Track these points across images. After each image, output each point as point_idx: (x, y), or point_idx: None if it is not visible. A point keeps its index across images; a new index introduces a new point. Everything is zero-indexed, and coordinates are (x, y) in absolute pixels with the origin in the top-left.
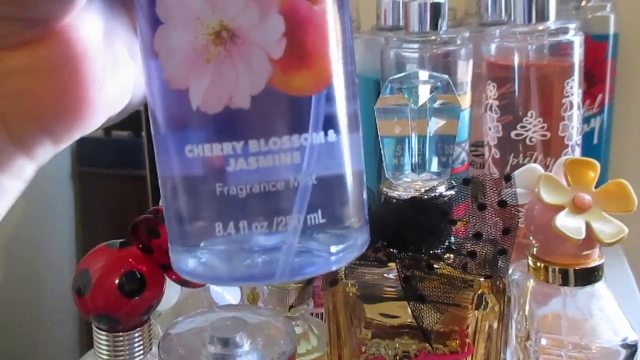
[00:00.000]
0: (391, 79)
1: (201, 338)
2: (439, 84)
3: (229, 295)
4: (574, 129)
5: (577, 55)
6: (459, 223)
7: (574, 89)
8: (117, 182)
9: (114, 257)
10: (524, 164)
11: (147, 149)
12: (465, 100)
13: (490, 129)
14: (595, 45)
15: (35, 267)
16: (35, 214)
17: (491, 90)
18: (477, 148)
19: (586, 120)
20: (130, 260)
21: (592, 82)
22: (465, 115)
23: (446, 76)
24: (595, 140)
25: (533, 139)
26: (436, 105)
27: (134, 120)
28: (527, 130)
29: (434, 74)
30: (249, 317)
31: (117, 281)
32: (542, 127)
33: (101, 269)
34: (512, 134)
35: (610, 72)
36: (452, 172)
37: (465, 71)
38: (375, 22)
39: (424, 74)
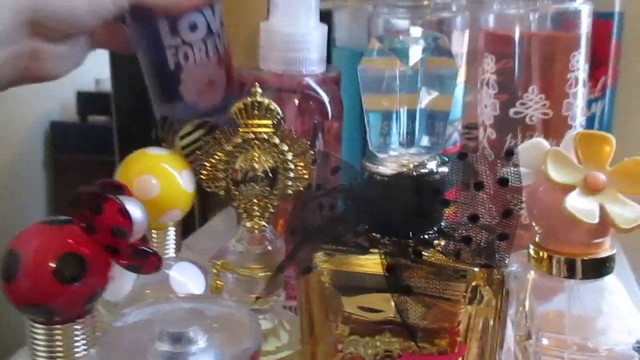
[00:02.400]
0: (379, 36)
1: (149, 333)
2: (432, 42)
3: (192, 285)
4: (578, 108)
5: (585, 25)
6: (452, 205)
7: (580, 64)
8: (94, 168)
9: (49, 237)
10: (512, 147)
11: (116, 134)
12: (460, 75)
13: (486, 106)
14: (600, 23)
15: None
16: (9, 202)
17: (489, 64)
18: (470, 130)
19: (587, 104)
20: (69, 240)
21: (595, 64)
22: (460, 92)
23: (441, 34)
24: (596, 127)
25: (534, 118)
26: (429, 69)
27: (110, 103)
28: (527, 108)
29: (428, 31)
30: (208, 309)
31: (52, 265)
32: (544, 105)
33: (34, 250)
34: (511, 112)
35: (614, 54)
36: (443, 154)
37: (460, 42)
38: None
39: (416, 31)
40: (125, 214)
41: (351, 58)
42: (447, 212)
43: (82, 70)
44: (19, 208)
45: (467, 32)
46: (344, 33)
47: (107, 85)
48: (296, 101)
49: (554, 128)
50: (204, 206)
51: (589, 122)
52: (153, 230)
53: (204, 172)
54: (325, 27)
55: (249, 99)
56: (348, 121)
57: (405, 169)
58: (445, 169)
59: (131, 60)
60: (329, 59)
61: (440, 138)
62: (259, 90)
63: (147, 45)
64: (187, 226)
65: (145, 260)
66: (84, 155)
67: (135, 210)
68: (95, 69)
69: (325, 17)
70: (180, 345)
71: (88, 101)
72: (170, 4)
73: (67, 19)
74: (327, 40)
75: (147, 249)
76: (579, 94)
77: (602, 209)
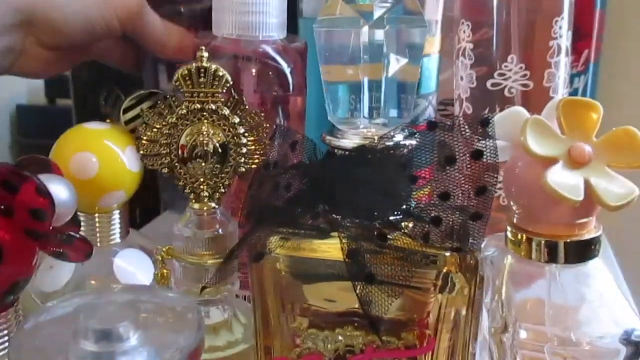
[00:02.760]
0: None
1: (72, 329)
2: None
3: (140, 274)
4: (560, 79)
5: None
6: (420, 182)
7: (564, 30)
8: None
9: None
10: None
11: (75, 117)
12: (434, 44)
13: (462, 78)
14: None
15: None
16: None
17: (465, 31)
18: (445, 107)
19: (570, 79)
20: None
21: (578, 36)
22: (434, 62)
23: None
24: None
25: (513, 90)
26: (395, 30)
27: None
28: (506, 79)
29: None
30: (145, 302)
31: None
32: (524, 76)
33: None
34: (488, 83)
35: (598, 25)
36: (417, 130)
37: (435, 7)
38: None
39: None
40: (44, 194)
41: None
42: (419, 194)
43: None
44: None
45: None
46: (313, 2)
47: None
48: (253, 71)
49: (535, 100)
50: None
51: None
52: (96, 215)
53: (142, 146)
54: None
55: (194, 64)
56: (315, 97)
57: (369, 142)
58: (413, 142)
59: None
60: (295, 30)
61: (408, 110)
62: (205, 54)
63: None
64: (150, 209)
65: (72, 246)
66: (50, 139)
67: (60, 190)
68: None
69: None
70: (108, 343)
71: (56, 84)
72: (160, 46)
73: (60, 31)
74: (294, 10)
75: (73, 234)
76: (562, 64)
77: (587, 185)
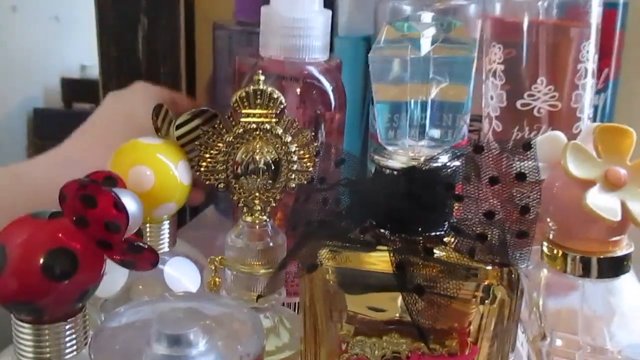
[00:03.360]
0: (389, 22)
1: (145, 334)
2: (446, 28)
3: (187, 280)
4: (587, 99)
5: (596, 15)
6: (464, 200)
7: (590, 54)
8: None
9: (39, 231)
10: (530, 139)
11: None
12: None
13: (492, 97)
14: (605, 13)
15: None
16: None
17: (496, 54)
18: (472, 123)
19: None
20: (59, 235)
21: (599, 54)
22: (471, 84)
23: (456, 20)
24: (598, 119)
25: (541, 110)
26: (442, 57)
27: (95, 91)
28: (535, 100)
29: (441, 17)
30: (207, 309)
31: (41, 261)
32: (553, 97)
33: (22, 245)
34: (518, 103)
35: (618, 44)
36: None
37: (474, 31)
38: None
39: (427, 16)
40: (121, 208)
41: (354, 47)
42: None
43: (67, 56)
44: None
45: (479, 21)
46: (347, 21)
47: (93, 72)
48: (298, 90)
49: (562, 120)
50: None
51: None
52: (147, 224)
53: (204, 164)
54: (329, 13)
55: (251, 87)
56: (349, 112)
57: (415, 163)
58: (457, 163)
59: (119, 46)
60: (330, 48)
61: (453, 131)
62: (262, 77)
63: None
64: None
65: (140, 255)
66: None
67: (130, 204)
68: (81, 56)
69: (327, 5)
70: (179, 348)
71: (73, 88)
72: None
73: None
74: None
75: (142, 244)
76: (588, 86)
77: (623, 206)
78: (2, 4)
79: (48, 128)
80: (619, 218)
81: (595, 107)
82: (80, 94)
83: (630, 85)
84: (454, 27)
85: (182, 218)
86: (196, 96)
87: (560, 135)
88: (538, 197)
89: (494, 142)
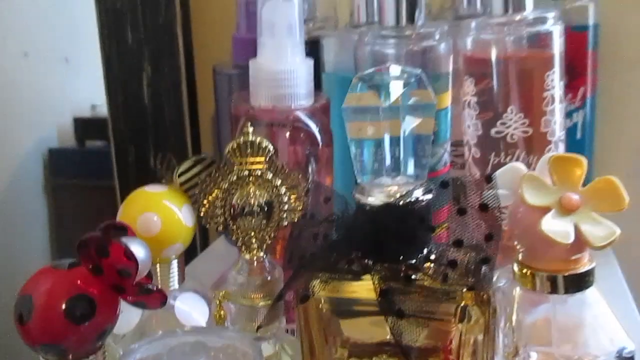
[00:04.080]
0: (360, 76)
1: None
2: (412, 79)
3: (197, 313)
4: (556, 124)
5: (557, 46)
6: (437, 230)
7: (555, 82)
8: (91, 193)
9: (60, 280)
10: (505, 163)
11: (114, 156)
12: (447, 99)
13: (469, 127)
14: (575, 36)
15: (9, 279)
16: (9, 226)
17: (469, 86)
18: (456, 148)
19: (568, 114)
20: (78, 282)
21: (573, 74)
22: (448, 114)
23: (419, 70)
24: (579, 135)
25: (514, 136)
26: (410, 102)
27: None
28: (507, 127)
29: (407, 68)
30: (213, 341)
31: (63, 306)
32: (524, 124)
33: (46, 293)
34: (492, 131)
35: (591, 64)
36: (435, 175)
37: (446, 68)
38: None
39: (395, 69)
40: (131, 256)
41: (340, 83)
42: (440, 230)
43: (78, 96)
44: (19, 232)
45: (451, 57)
46: (332, 59)
47: (103, 110)
48: (287, 134)
49: (535, 144)
50: (205, 229)
51: (572, 131)
52: (157, 264)
53: (203, 209)
54: (311, 61)
55: (242, 139)
56: (340, 144)
57: (392, 199)
58: (429, 196)
59: (125, 92)
60: (318, 84)
61: (425, 160)
62: (251, 129)
63: None
64: (189, 250)
65: (151, 296)
66: (81, 179)
67: (139, 251)
68: (91, 95)
69: (314, 44)
70: None
71: (85, 127)
72: None
73: None
74: (317, 66)
75: (151, 286)
76: (556, 111)
77: (577, 228)
78: (14, 50)
79: (63, 167)
80: (571, 240)
81: (575, 124)
82: (92, 132)
83: (608, 100)
84: (419, 77)
85: (194, 249)
86: (199, 135)
87: (518, 166)
88: (500, 226)
89: (457, 177)
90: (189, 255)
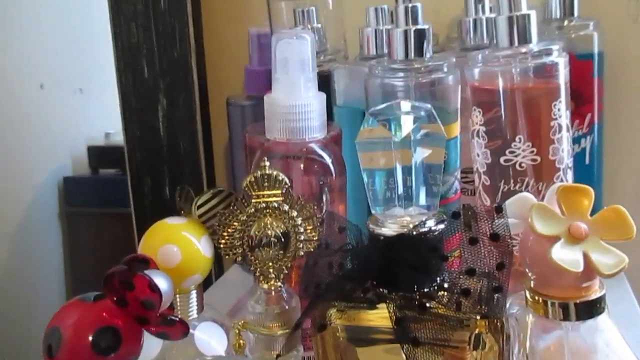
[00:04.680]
0: (372, 111)
1: None
2: (422, 113)
3: (215, 342)
4: (564, 151)
5: (563, 76)
6: (450, 258)
7: (562, 111)
8: (106, 220)
9: (86, 313)
10: (515, 190)
11: (130, 186)
12: (456, 128)
13: (478, 155)
14: (581, 64)
15: (25, 308)
16: (24, 255)
17: (477, 116)
18: (466, 175)
19: (576, 140)
20: (104, 314)
21: (580, 101)
22: (457, 143)
23: (429, 105)
24: (587, 161)
25: (523, 164)
26: (420, 136)
27: (121, 156)
28: (516, 156)
29: (417, 103)
30: None
31: (90, 338)
32: (532, 152)
33: (73, 325)
34: (501, 159)
35: (597, 90)
36: (445, 203)
37: (455, 98)
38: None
39: (406, 105)
40: (154, 288)
41: (351, 115)
42: (453, 259)
43: (92, 125)
44: (35, 260)
45: (459, 88)
46: (344, 92)
47: (116, 138)
48: (301, 166)
49: (543, 172)
50: (220, 258)
51: (581, 157)
52: (177, 295)
53: (222, 241)
54: (323, 95)
55: (259, 172)
56: (352, 172)
57: (405, 229)
58: (442, 226)
59: (142, 124)
60: (331, 116)
61: (437, 189)
62: (267, 164)
63: None
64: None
65: (173, 327)
66: (95, 207)
67: (162, 283)
68: (105, 123)
69: (326, 78)
70: None
71: (99, 155)
72: None
73: None
74: (329, 99)
75: (174, 317)
76: (564, 139)
77: (586, 257)
78: (31, 82)
79: (77, 195)
80: (581, 269)
81: (583, 149)
82: (106, 160)
83: (615, 125)
84: (428, 112)
85: (209, 277)
86: (213, 164)
87: (528, 195)
88: (510, 255)
89: (469, 205)
90: (204, 284)
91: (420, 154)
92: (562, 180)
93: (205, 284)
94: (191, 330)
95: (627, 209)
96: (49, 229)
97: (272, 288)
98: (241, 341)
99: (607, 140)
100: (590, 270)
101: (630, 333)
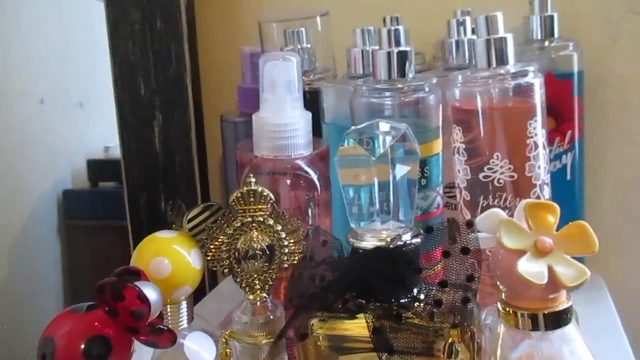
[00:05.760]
0: (349, 132)
1: None
2: (398, 133)
3: (204, 352)
4: (540, 168)
5: (538, 96)
6: (429, 271)
7: (538, 130)
8: (104, 233)
9: (79, 322)
10: (494, 205)
11: (127, 198)
12: (438, 145)
13: (459, 171)
14: (561, 83)
15: (24, 321)
16: (23, 268)
17: (457, 134)
18: (450, 189)
19: (558, 157)
20: (96, 324)
21: (561, 119)
22: (440, 160)
23: (404, 125)
24: (569, 177)
25: (501, 180)
26: (396, 154)
27: (119, 170)
28: (494, 172)
29: (394, 124)
30: None
31: (82, 346)
32: (509, 169)
33: (66, 335)
34: (481, 176)
35: (577, 109)
36: (428, 217)
37: (436, 116)
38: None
39: (384, 125)
40: (144, 299)
41: (339, 132)
42: (434, 272)
43: (91, 139)
44: (34, 272)
45: (440, 107)
46: (331, 110)
47: (115, 152)
48: (288, 182)
49: (521, 188)
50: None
51: (562, 173)
52: (167, 306)
53: (210, 254)
54: (309, 114)
55: (245, 188)
56: (339, 187)
57: (382, 243)
58: (418, 240)
59: (138, 140)
60: (319, 133)
61: (413, 208)
62: (253, 180)
63: None
64: (198, 290)
65: (162, 336)
66: (94, 220)
67: (151, 294)
68: (104, 137)
69: (315, 95)
70: None
71: (98, 168)
72: None
73: None
74: (317, 116)
75: (162, 326)
76: (540, 156)
77: (550, 270)
78: (32, 97)
79: (76, 208)
80: (545, 281)
81: (565, 165)
82: (105, 174)
83: (596, 142)
84: (405, 131)
85: (202, 289)
86: (208, 179)
87: (498, 211)
88: (479, 268)
89: (442, 222)
90: (198, 296)
91: (397, 171)
92: (538, 196)
93: (199, 295)
94: (181, 340)
95: (609, 221)
96: (49, 241)
97: (258, 299)
98: (228, 350)
99: (588, 156)
100: (555, 283)
101: (610, 342)
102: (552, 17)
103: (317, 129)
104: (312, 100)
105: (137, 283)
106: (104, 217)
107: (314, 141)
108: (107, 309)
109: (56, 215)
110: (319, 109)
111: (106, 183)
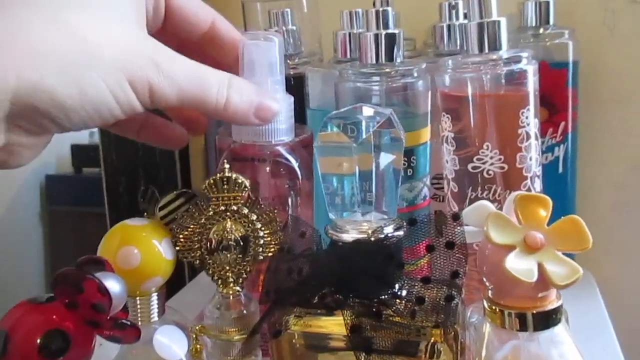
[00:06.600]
0: (331, 116)
1: None
2: (382, 119)
3: (176, 346)
4: (532, 159)
5: (532, 84)
6: (408, 266)
7: (530, 119)
8: (86, 219)
9: (36, 314)
10: (482, 198)
11: (105, 184)
12: (426, 134)
13: (447, 162)
14: (555, 73)
15: (5, 305)
16: (5, 252)
17: (446, 122)
18: (438, 181)
19: (550, 149)
20: (54, 317)
21: (554, 110)
22: (427, 149)
23: (389, 110)
24: (561, 169)
25: (491, 172)
26: (380, 141)
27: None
28: (484, 163)
29: (378, 109)
30: None
31: (38, 341)
32: (500, 159)
33: (21, 328)
34: (469, 166)
35: (571, 99)
36: (414, 209)
37: (425, 103)
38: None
39: (367, 110)
40: (104, 292)
41: (324, 118)
42: (417, 267)
43: None
44: (16, 257)
45: (429, 94)
46: (317, 96)
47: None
48: (268, 169)
49: (511, 179)
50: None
51: (554, 165)
52: (138, 297)
53: (179, 244)
54: (291, 98)
55: (218, 175)
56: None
57: (364, 235)
58: (400, 233)
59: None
60: (304, 119)
61: (396, 200)
62: (227, 166)
63: None
64: (176, 282)
65: (125, 331)
66: (77, 206)
67: (114, 286)
68: None
69: (300, 80)
70: None
71: (82, 153)
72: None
73: (54, 117)
74: (302, 102)
75: (126, 321)
76: (532, 147)
77: (540, 267)
78: None
79: (59, 193)
80: (534, 279)
81: (557, 158)
82: (89, 159)
83: (589, 134)
84: (389, 117)
85: (182, 280)
86: (189, 167)
87: (486, 204)
88: (464, 264)
89: (427, 214)
90: (176, 287)
91: (381, 159)
92: (529, 189)
93: (177, 286)
94: (151, 333)
95: (601, 218)
96: (31, 226)
97: (231, 293)
98: (198, 346)
99: (581, 149)
100: (544, 281)
101: (599, 342)
102: (547, 3)
103: (302, 116)
104: (296, 86)
105: (99, 274)
106: (86, 203)
107: (298, 128)
108: (66, 301)
109: (39, 200)
110: (304, 94)
111: (91, 169)
